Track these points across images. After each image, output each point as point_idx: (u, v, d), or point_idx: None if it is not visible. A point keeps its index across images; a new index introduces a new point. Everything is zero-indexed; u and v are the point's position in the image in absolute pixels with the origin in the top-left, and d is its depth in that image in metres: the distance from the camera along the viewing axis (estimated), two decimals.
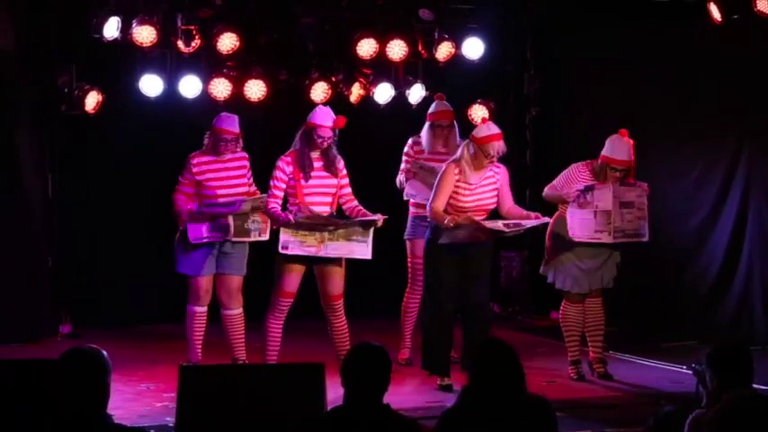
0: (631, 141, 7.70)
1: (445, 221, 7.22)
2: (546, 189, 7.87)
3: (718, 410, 3.96)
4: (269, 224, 7.55)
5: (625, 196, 7.63)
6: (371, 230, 7.39)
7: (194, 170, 7.68)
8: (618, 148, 7.67)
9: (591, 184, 7.62)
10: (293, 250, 7.31)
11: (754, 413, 3.85)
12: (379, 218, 7.32)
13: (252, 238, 7.65)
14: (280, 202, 7.43)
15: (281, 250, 7.30)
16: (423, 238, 8.05)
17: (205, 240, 7.58)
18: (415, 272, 8.23)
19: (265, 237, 7.61)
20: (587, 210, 7.61)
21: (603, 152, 7.69)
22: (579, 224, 7.63)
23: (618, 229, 7.60)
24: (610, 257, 7.77)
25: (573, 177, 7.75)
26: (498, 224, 7.26)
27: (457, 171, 7.37)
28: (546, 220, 7.43)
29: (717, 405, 4.15)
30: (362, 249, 7.39)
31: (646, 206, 7.70)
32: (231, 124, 7.78)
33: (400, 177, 8.36)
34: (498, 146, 7.33)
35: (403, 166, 8.35)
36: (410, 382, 7.72)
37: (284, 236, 7.30)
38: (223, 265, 7.68)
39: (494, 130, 7.41)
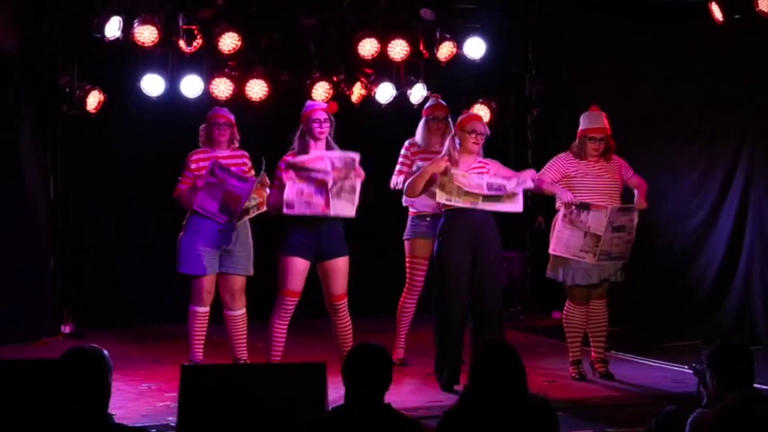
0: (603, 113, 7.75)
1: (430, 169, 7.27)
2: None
3: (720, 411, 3.97)
4: (266, 197, 7.52)
5: (618, 220, 7.63)
6: (358, 189, 7.35)
7: (192, 166, 7.65)
8: (591, 118, 7.75)
9: (587, 202, 7.61)
10: (299, 209, 7.22)
11: (755, 414, 3.85)
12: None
13: (252, 215, 7.63)
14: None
15: (285, 210, 7.19)
16: (421, 238, 8.05)
17: (208, 215, 7.53)
18: (414, 272, 8.22)
19: (264, 208, 7.56)
20: (578, 230, 7.62)
21: (579, 128, 7.77)
22: (566, 241, 7.63)
23: (604, 252, 7.63)
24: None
25: (557, 163, 7.77)
26: (481, 183, 7.28)
27: (446, 160, 7.42)
28: (529, 184, 7.42)
29: (718, 405, 4.16)
30: (348, 208, 7.36)
31: (635, 229, 7.71)
32: (224, 111, 7.80)
33: (396, 179, 8.29)
34: (480, 124, 7.45)
35: (399, 167, 8.28)
36: (411, 381, 7.72)
37: (289, 195, 7.22)
38: (227, 264, 7.66)
39: (472, 113, 7.77)
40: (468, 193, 7.27)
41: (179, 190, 7.66)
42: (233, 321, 7.69)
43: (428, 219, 8.01)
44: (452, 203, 7.29)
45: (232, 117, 7.77)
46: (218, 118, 7.71)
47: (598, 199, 7.65)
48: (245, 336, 7.73)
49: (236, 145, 7.78)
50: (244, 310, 7.71)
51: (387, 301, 8.71)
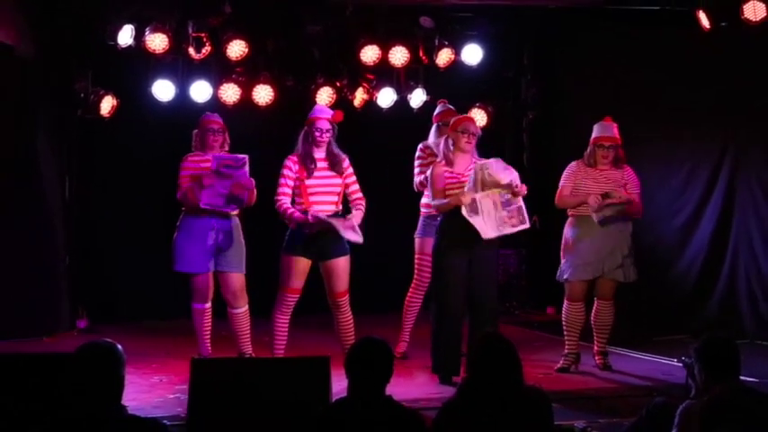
0: (615, 124, 7.79)
1: (454, 201, 7.24)
2: (556, 200, 7.87)
3: (707, 402, 3.97)
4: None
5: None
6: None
7: (190, 166, 7.64)
8: (603, 128, 7.80)
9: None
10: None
11: (741, 405, 3.86)
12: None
13: None
14: (288, 200, 7.41)
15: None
16: (432, 236, 8.05)
17: (217, 210, 7.49)
18: (422, 269, 8.20)
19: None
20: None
21: (591, 136, 7.81)
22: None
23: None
24: (615, 250, 7.75)
25: (569, 175, 7.81)
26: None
27: (443, 163, 7.41)
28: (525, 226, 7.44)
29: (705, 396, 4.16)
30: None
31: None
32: (215, 116, 7.77)
33: (418, 179, 8.24)
34: (471, 125, 7.47)
35: (418, 170, 8.24)
36: (412, 374, 7.72)
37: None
38: (221, 263, 7.63)
39: (451, 111, 7.86)
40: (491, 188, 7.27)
41: (182, 189, 7.60)
42: (237, 318, 7.68)
43: (439, 219, 8.00)
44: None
45: (222, 122, 7.76)
46: (213, 124, 7.69)
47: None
48: (248, 331, 7.71)
49: (226, 148, 7.75)
50: (246, 308, 7.68)
51: (390, 297, 8.71)
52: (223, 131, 7.70)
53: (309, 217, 7.22)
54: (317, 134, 7.41)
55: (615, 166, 7.77)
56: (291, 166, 7.42)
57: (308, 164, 7.40)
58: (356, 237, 7.31)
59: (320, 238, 7.35)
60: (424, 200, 8.23)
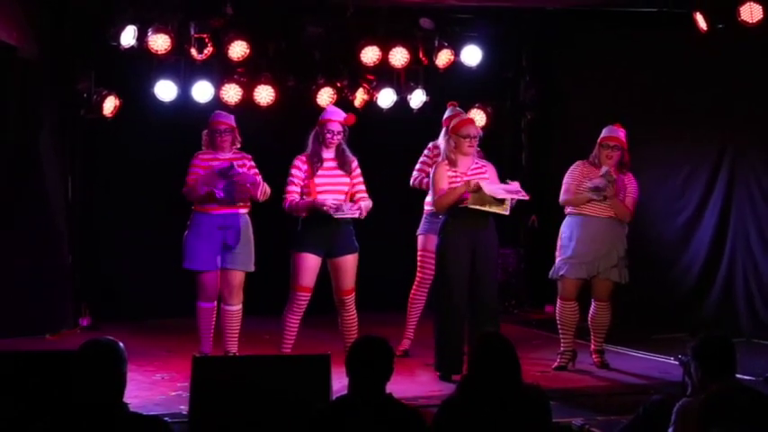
0: (623, 129, 7.82)
1: (460, 190, 7.23)
2: (561, 197, 7.87)
3: (704, 400, 3.97)
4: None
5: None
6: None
7: (200, 164, 7.65)
8: (610, 130, 7.83)
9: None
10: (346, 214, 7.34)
11: (737, 403, 3.86)
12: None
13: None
14: (297, 197, 7.40)
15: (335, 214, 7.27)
16: (435, 234, 8.04)
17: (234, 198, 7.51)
18: (425, 266, 8.18)
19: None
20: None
21: (600, 136, 7.82)
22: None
23: None
24: (611, 250, 7.76)
25: (574, 173, 7.81)
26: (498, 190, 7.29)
27: (446, 164, 7.41)
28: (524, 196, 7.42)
29: (701, 394, 4.16)
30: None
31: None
32: (225, 117, 7.75)
33: (416, 176, 8.24)
34: (472, 128, 7.47)
35: (419, 166, 8.23)
36: (412, 372, 7.72)
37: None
38: (227, 260, 7.62)
39: (463, 116, 7.72)
40: (501, 201, 7.26)
41: (188, 184, 7.61)
42: (229, 316, 7.65)
43: (441, 216, 8.00)
44: (485, 209, 7.27)
45: (232, 121, 7.72)
46: (220, 125, 7.66)
47: (593, 204, 7.69)
48: (237, 330, 7.67)
49: (238, 146, 7.73)
50: (240, 306, 7.65)
51: (392, 295, 8.71)
52: (231, 131, 7.67)
53: (317, 202, 7.25)
54: (329, 135, 7.44)
55: (619, 170, 7.77)
56: (300, 166, 7.45)
57: (314, 162, 7.43)
58: (357, 212, 7.34)
59: (330, 235, 7.36)
60: (428, 198, 8.24)
